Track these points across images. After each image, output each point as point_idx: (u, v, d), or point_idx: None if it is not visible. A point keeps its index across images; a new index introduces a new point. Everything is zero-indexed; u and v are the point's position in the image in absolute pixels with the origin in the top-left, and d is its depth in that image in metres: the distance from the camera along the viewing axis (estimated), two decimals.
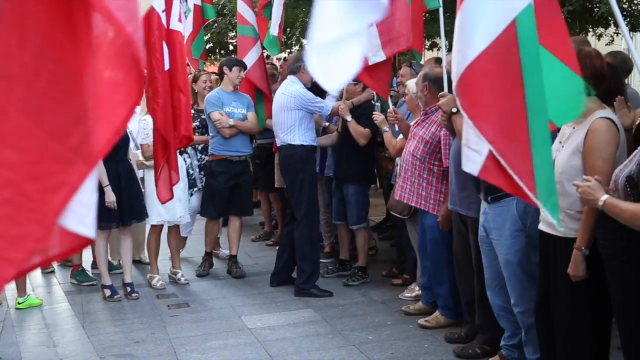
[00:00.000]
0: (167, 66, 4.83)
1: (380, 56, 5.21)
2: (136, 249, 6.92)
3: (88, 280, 6.51)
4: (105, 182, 5.72)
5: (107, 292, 6.07)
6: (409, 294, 5.88)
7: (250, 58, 7.15)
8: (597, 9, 7.14)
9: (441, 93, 4.63)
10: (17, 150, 1.40)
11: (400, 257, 6.49)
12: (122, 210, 5.94)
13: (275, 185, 7.44)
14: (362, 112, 6.15)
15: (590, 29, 8.23)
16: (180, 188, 6.19)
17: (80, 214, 1.44)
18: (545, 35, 2.65)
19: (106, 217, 5.80)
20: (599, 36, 8.64)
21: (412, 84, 5.45)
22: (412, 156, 5.21)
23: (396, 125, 5.64)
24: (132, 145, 6.30)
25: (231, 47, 13.01)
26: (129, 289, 6.14)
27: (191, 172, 6.86)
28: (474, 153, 2.55)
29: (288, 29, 10.54)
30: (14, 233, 1.39)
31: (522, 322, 4.09)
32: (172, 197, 5.15)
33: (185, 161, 6.73)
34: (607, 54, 4.56)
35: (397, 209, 5.67)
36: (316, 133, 6.42)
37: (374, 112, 5.92)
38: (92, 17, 1.44)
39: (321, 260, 6.56)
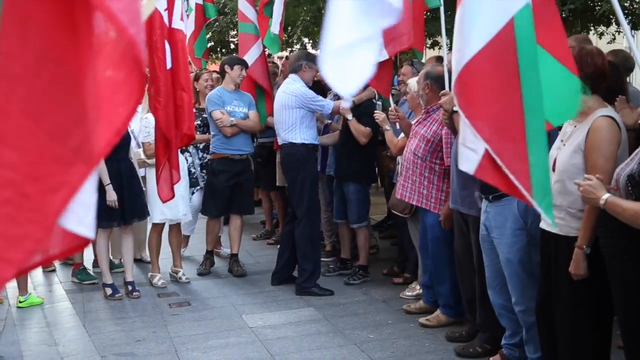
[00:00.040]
0: (169, 65, 4.83)
1: (382, 55, 5.20)
2: (137, 247, 6.92)
3: (89, 278, 6.52)
4: (107, 180, 5.72)
5: (109, 291, 6.08)
6: (410, 293, 5.88)
7: (252, 55, 7.16)
8: (598, 8, 7.13)
9: (442, 92, 4.63)
10: (18, 150, 1.40)
11: (402, 256, 6.49)
12: (124, 209, 5.94)
13: (277, 184, 7.44)
14: (363, 111, 6.15)
15: (592, 28, 8.21)
16: (183, 186, 6.19)
17: (80, 215, 1.44)
18: (543, 34, 2.65)
19: (107, 216, 5.80)
20: (601, 34, 8.62)
21: (413, 83, 5.45)
22: (414, 155, 5.21)
23: (397, 124, 5.64)
24: (133, 143, 6.30)
25: (232, 46, 13.00)
26: (130, 288, 6.15)
27: (193, 170, 6.87)
28: (470, 152, 2.55)
29: (289, 28, 10.54)
30: (14, 233, 1.39)
31: (523, 321, 4.09)
32: (173, 196, 5.15)
33: (187, 160, 6.73)
34: (609, 52, 4.55)
35: (399, 208, 5.67)
36: (317, 131, 6.42)
37: (375, 111, 5.92)
38: (93, 17, 1.44)
39: (322, 259, 6.56)
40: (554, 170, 3.42)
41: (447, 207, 4.95)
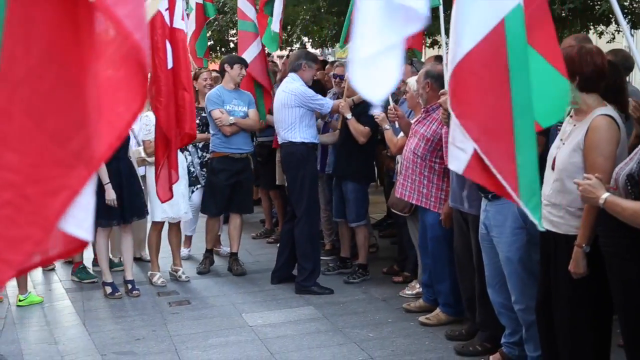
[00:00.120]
0: (170, 64, 4.83)
1: None
2: (137, 246, 6.93)
3: (89, 277, 6.52)
4: (106, 179, 5.72)
5: (108, 290, 6.08)
6: (409, 292, 5.88)
7: (251, 53, 7.16)
8: (598, 7, 7.13)
9: (442, 90, 4.62)
10: (19, 152, 1.40)
11: (401, 255, 6.49)
12: (123, 207, 5.94)
13: (276, 183, 7.45)
14: (362, 110, 6.15)
15: (592, 27, 8.21)
16: (183, 184, 6.20)
17: (79, 218, 1.45)
18: (534, 35, 2.65)
19: (107, 215, 5.81)
20: (600, 34, 8.63)
21: (412, 82, 5.45)
22: (413, 154, 5.21)
23: (397, 123, 5.64)
24: (132, 142, 6.30)
25: (232, 45, 13.01)
26: (130, 287, 6.15)
27: (192, 169, 6.87)
28: (459, 151, 2.56)
29: (289, 27, 10.54)
30: (14, 235, 1.40)
31: (523, 320, 4.10)
32: (171, 196, 5.15)
33: (187, 159, 6.73)
34: (609, 51, 4.55)
35: (398, 207, 5.67)
36: (317, 130, 6.43)
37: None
38: (95, 17, 1.44)
39: (322, 258, 6.57)
40: (553, 169, 3.42)
41: (447, 206, 4.95)
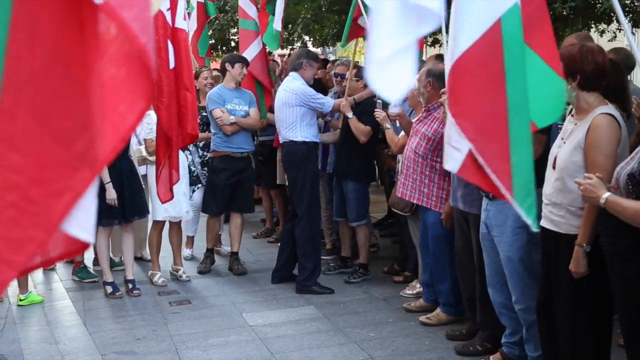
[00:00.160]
0: (172, 64, 4.82)
1: None
2: (138, 245, 6.92)
3: (90, 277, 6.52)
4: (107, 179, 5.71)
5: (109, 289, 6.08)
6: (410, 291, 5.87)
7: (252, 51, 7.16)
8: (599, 5, 7.11)
9: (443, 89, 4.62)
10: (23, 154, 1.40)
11: (402, 254, 6.49)
12: (124, 207, 5.93)
13: (277, 182, 7.45)
14: (363, 109, 6.14)
15: (593, 25, 8.19)
16: (184, 184, 6.19)
17: (81, 220, 1.45)
18: (532, 35, 2.65)
19: (108, 214, 5.80)
20: (602, 32, 8.60)
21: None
22: (414, 153, 5.20)
23: (398, 122, 5.63)
24: (133, 141, 6.29)
25: (233, 44, 13.01)
26: (130, 286, 6.15)
27: (193, 169, 6.86)
28: (455, 151, 2.56)
29: (290, 26, 10.53)
30: (17, 236, 1.40)
31: (524, 320, 4.09)
32: (172, 197, 5.14)
33: (187, 158, 6.73)
34: (610, 50, 4.55)
35: (399, 206, 5.67)
36: (318, 129, 6.42)
37: (375, 109, 5.90)
38: (98, 17, 1.44)
39: (322, 257, 6.56)
40: (554, 168, 3.42)
41: (448, 205, 4.94)
